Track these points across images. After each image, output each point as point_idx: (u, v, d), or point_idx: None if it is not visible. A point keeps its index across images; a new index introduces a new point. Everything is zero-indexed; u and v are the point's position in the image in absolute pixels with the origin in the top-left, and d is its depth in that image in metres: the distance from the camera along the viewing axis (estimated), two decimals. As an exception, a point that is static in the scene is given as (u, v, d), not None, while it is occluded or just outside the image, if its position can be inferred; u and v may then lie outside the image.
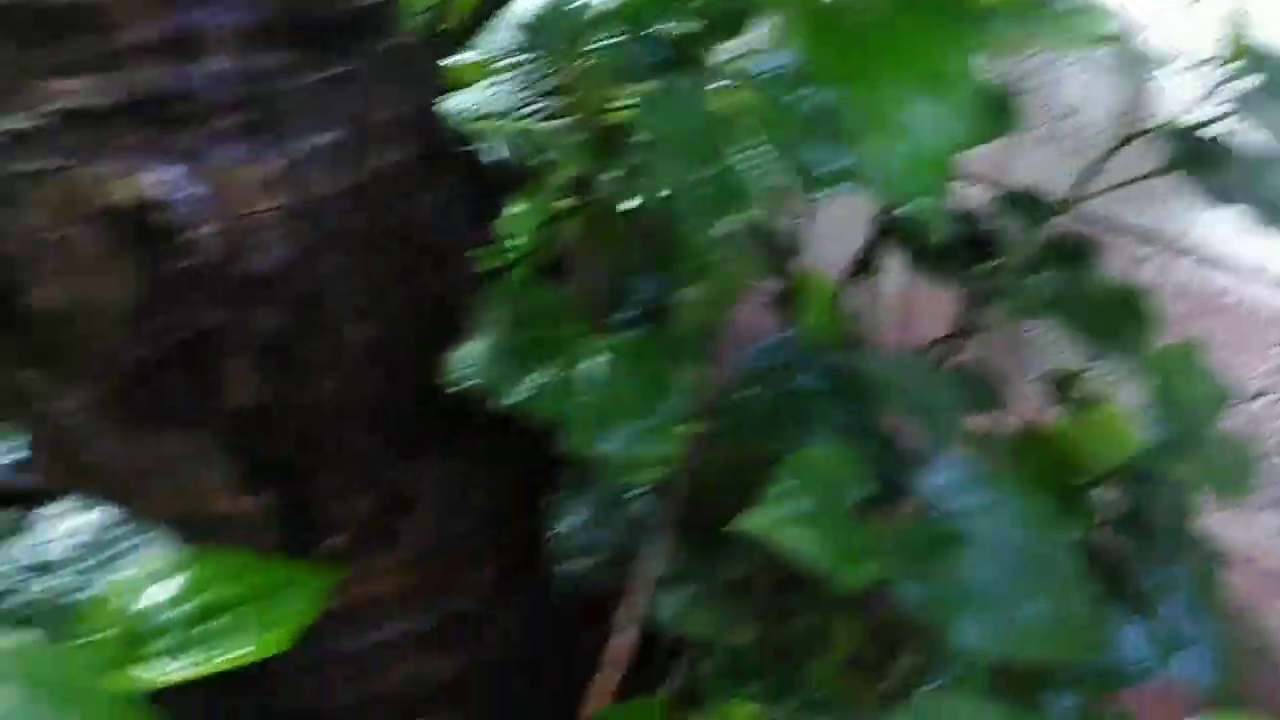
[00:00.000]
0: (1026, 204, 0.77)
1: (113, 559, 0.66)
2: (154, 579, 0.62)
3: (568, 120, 1.01)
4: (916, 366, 0.76)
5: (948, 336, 0.85)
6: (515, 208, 1.14)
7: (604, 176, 0.79)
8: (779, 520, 0.62)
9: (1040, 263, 0.79)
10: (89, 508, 0.68)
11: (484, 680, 0.83)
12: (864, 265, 0.84)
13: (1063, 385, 0.89)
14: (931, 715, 0.65)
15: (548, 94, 1.04)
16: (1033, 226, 0.77)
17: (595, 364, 0.65)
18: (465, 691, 0.82)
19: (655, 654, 0.89)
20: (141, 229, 0.59)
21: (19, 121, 0.59)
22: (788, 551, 0.60)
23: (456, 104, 0.96)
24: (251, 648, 0.60)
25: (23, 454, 0.90)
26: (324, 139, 0.62)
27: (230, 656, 0.59)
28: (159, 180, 0.58)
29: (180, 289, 0.61)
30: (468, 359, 0.64)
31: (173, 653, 0.60)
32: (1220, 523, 0.86)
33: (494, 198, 1.22)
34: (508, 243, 1.14)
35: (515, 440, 0.84)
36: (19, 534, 0.68)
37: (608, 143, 0.73)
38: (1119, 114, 0.83)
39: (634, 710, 0.75)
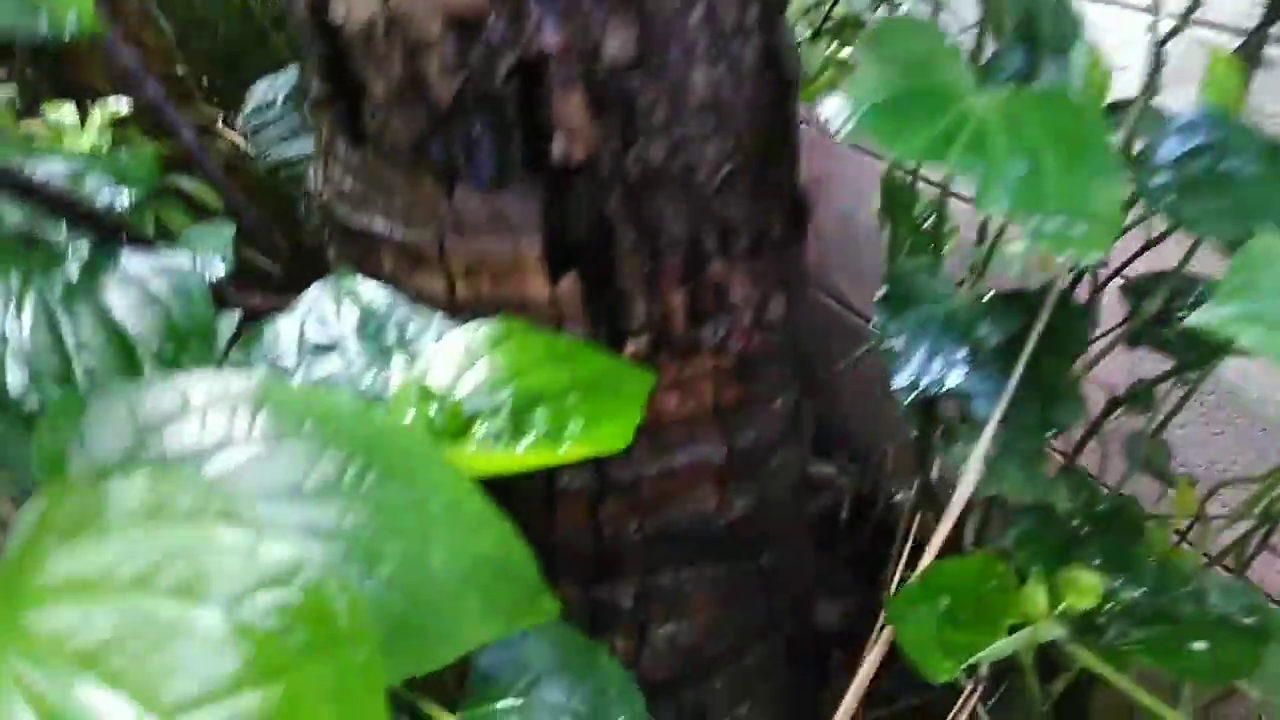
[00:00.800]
0: None
1: (402, 340, 0.55)
2: (464, 362, 0.52)
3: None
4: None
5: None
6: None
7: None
8: (1236, 317, 0.48)
9: None
10: (363, 286, 0.57)
11: (769, 523, 0.72)
12: (1255, 46, 0.68)
13: None
14: None
15: None
16: None
17: (999, 120, 0.52)
18: (749, 536, 0.71)
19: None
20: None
21: None
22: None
23: None
24: (585, 440, 0.49)
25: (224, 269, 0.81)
26: None
27: (566, 448, 0.48)
28: None
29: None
30: (847, 107, 0.51)
31: (495, 440, 0.49)
32: None
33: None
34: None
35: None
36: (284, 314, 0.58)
37: None
38: None
39: (961, 565, 0.63)
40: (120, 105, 0.89)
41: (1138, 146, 0.61)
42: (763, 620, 0.74)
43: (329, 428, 0.41)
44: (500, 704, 0.51)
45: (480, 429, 0.49)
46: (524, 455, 0.47)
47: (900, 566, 0.87)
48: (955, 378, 0.63)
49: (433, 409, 0.48)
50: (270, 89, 1.08)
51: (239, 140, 1.45)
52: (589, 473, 0.62)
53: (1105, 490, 0.79)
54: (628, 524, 0.64)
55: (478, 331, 0.52)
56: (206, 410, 0.40)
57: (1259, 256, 0.51)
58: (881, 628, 0.65)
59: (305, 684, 0.27)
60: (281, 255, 0.96)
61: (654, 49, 0.52)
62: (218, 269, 0.81)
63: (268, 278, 0.96)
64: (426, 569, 0.39)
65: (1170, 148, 0.56)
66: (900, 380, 0.62)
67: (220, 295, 0.74)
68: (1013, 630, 0.60)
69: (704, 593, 0.69)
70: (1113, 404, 0.78)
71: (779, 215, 0.64)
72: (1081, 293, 0.70)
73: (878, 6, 0.99)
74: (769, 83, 0.59)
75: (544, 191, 0.55)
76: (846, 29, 0.99)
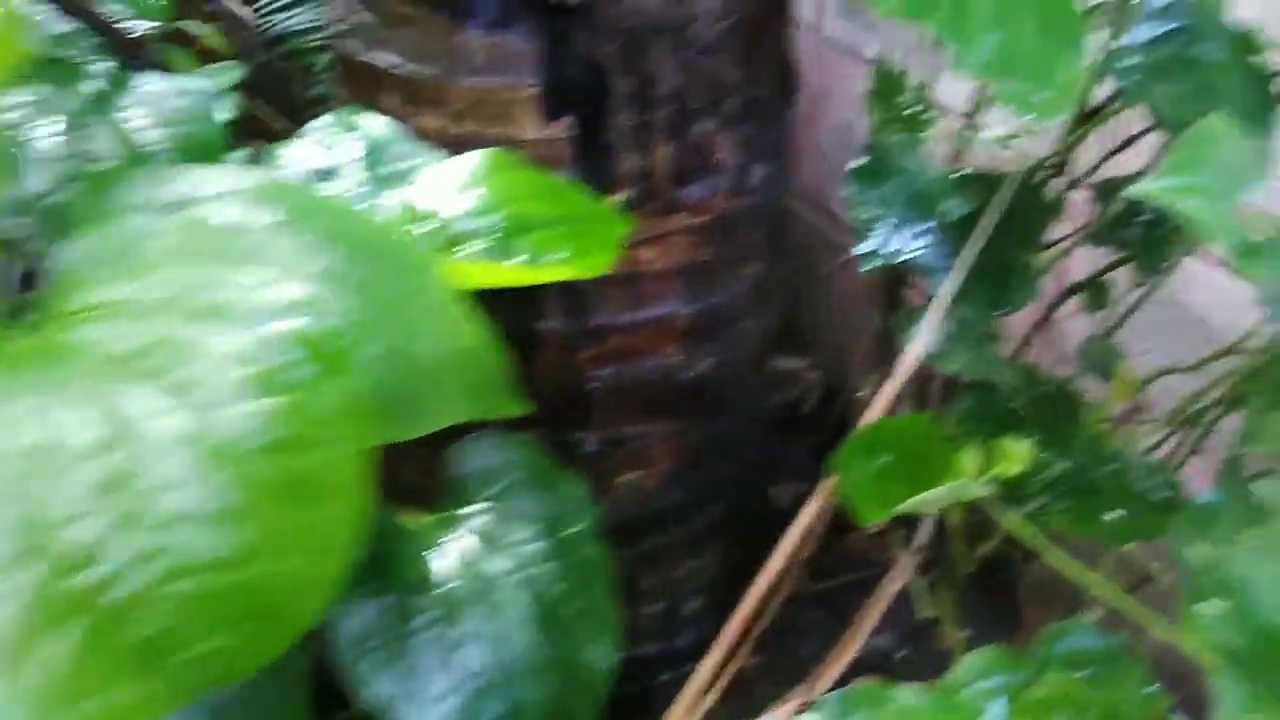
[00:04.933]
0: None
1: (400, 171, 0.59)
2: (457, 189, 0.55)
3: None
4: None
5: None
6: None
7: None
8: (1177, 188, 0.52)
9: None
10: (366, 119, 0.60)
11: (727, 388, 0.76)
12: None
13: None
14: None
15: None
16: None
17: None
18: (708, 398, 0.75)
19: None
20: None
21: None
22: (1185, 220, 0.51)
23: None
24: (568, 265, 0.53)
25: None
26: None
27: (553, 265, 0.52)
28: None
29: None
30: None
31: (485, 257, 0.53)
32: None
33: None
34: None
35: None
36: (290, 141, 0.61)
37: None
38: None
39: (904, 424, 0.68)
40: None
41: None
42: (716, 482, 0.79)
43: (332, 224, 0.45)
44: (470, 508, 0.56)
45: (470, 246, 0.52)
46: (509, 270, 0.51)
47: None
48: (915, 249, 0.66)
49: (425, 227, 0.52)
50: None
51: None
52: (566, 319, 0.66)
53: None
54: (598, 371, 0.68)
55: (472, 161, 0.55)
56: (220, 199, 0.44)
57: (1206, 134, 0.54)
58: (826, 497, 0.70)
59: (312, 400, 0.31)
60: (293, 106, 0.98)
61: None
62: (222, 110, 0.83)
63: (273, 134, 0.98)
64: (413, 353, 0.43)
65: (1143, 32, 0.59)
66: (864, 247, 0.66)
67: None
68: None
69: (663, 447, 0.73)
70: (1067, 291, 0.82)
71: (769, 82, 0.67)
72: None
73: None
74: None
75: (544, 34, 0.57)
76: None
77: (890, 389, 0.68)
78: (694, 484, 0.78)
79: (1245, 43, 0.59)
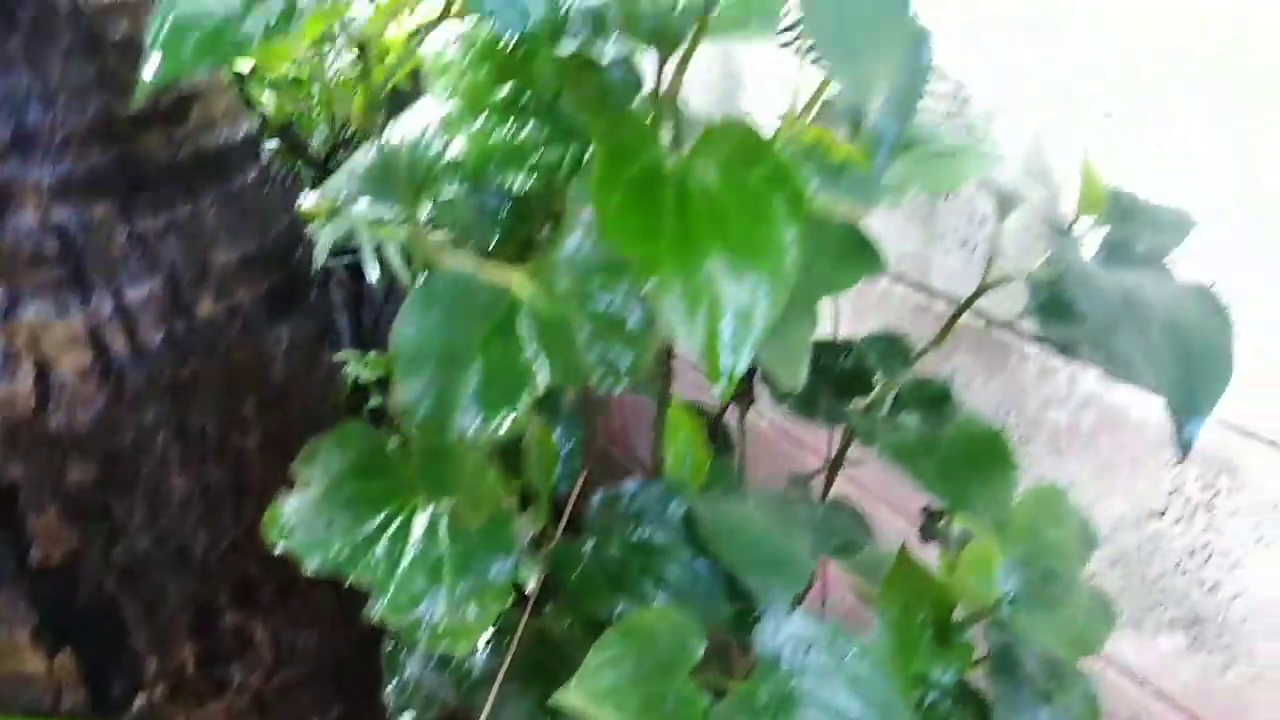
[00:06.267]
0: (886, 347, 0.76)
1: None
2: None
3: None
4: (773, 510, 0.74)
5: (820, 470, 0.83)
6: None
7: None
8: (597, 693, 0.58)
9: (904, 405, 0.77)
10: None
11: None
12: (738, 396, 0.82)
13: (934, 521, 0.88)
14: None
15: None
16: (897, 368, 0.76)
17: (425, 520, 0.62)
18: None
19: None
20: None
21: None
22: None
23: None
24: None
25: None
26: (141, 291, 0.60)
27: None
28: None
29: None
30: (289, 514, 0.61)
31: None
32: (1115, 641, 0.84)
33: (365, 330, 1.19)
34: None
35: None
36: None
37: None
38: (987, 256, 0.82)
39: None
40: None
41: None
42: None
43: None
44: None
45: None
46: None
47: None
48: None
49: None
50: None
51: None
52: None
53: None
54: None
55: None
56: None
57: (630, 630, 0.61)
58: None
59: None
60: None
61: (119, 472, 0.61)
62: None
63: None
64: None
65: (599, 517, 0.68)
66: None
67: None
68: None
69: None
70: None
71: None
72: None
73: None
74: (270, 467, 0.68)
75: (36, 586, 0.62)
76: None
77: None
78: None
79: (692, 523, 0.67)
